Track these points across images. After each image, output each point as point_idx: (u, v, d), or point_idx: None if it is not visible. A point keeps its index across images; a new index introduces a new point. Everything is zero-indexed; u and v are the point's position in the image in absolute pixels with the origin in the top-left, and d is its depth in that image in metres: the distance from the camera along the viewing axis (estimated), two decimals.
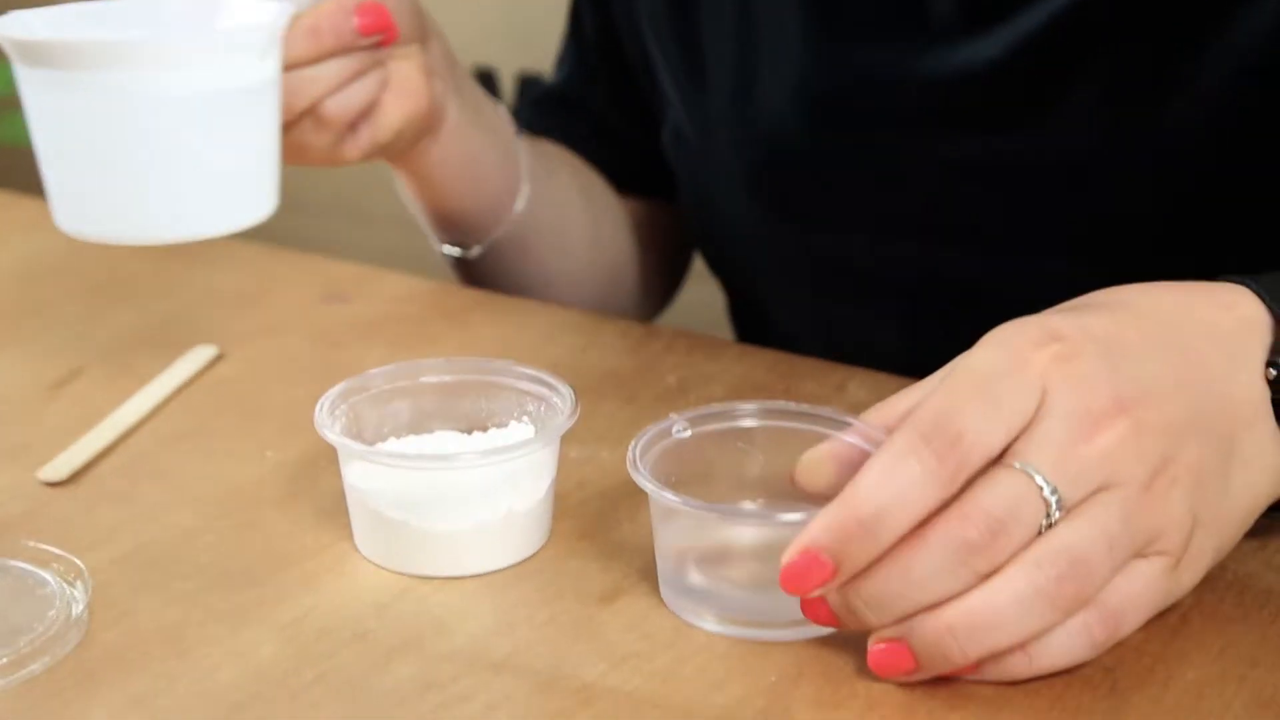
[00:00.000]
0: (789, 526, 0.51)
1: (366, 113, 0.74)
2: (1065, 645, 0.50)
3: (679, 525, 0.55)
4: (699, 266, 1.03)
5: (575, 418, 0.59)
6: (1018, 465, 0.49)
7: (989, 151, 0.75)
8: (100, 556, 0.59)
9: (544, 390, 0.62)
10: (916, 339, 0.78)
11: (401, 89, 0.75)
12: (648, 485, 0.54)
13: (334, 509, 0.62)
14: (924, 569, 0.49)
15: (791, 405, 0.58)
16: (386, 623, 0.55)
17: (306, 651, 0.53)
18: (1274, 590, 0.57)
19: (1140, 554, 0.50)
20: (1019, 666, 0.50)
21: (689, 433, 0.57)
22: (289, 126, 0.72)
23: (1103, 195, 0.74)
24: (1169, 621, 0.55)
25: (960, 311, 0.78)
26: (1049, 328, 0.52)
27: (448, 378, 0.63)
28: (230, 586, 0.57)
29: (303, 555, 0.59)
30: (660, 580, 0.56)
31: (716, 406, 0.59)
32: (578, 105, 0.94)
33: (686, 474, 0.56)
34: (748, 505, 0.58)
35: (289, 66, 0.70)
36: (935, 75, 0.76)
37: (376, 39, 0.72)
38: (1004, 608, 0.49)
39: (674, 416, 0.58)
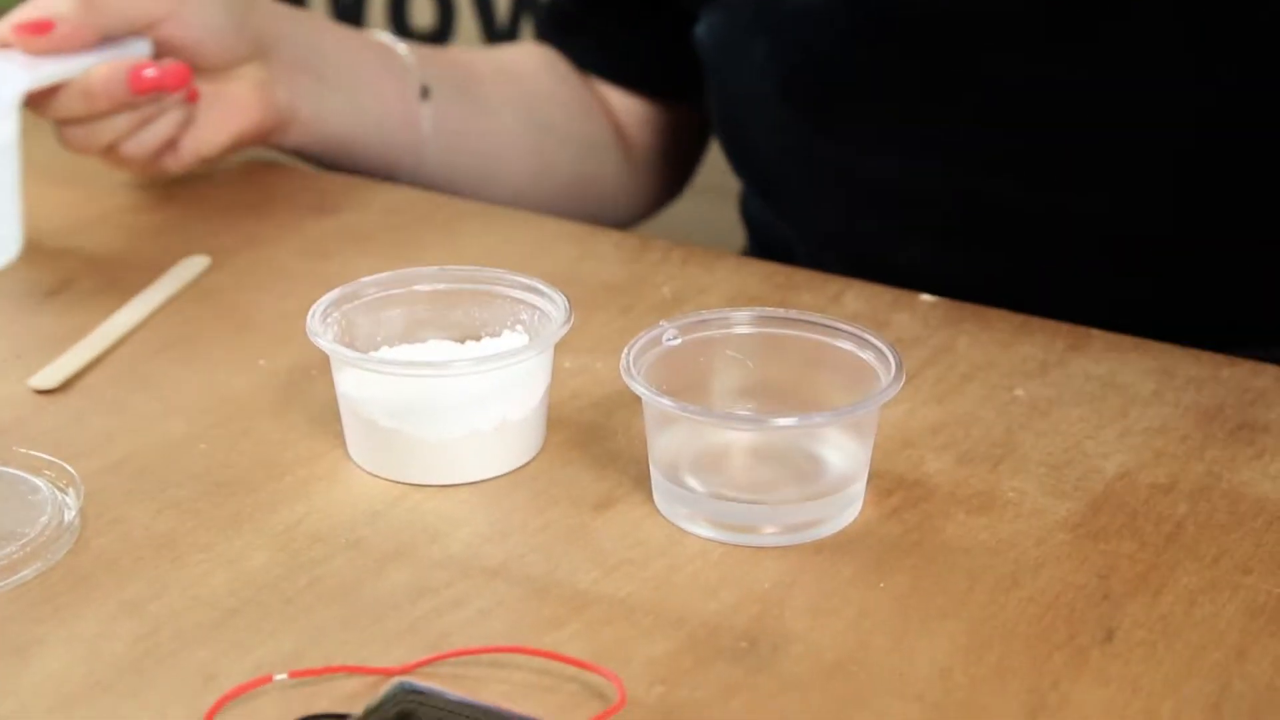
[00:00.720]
0: (782, 431, 0.51)
1: (174, 141, 0.80)
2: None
3: (673, 431, 0.55)
4: (699, 182, 1.02)
5: (569, 325, 0.58)
6: None
7: (1037, 75, 0.74)
8: (92, 464, 0.58)
9: (538, 299, 0.61)
10: (942, 259, 0.77)
11: (230, 109, 0.81)
12: (642, 390, 0.53)
13: (326, 417, 0.62)
14: None
15: (783, 311, 0.58)
16: (380, 530, 0.55)
17: (299, 558, 0.53)
18: (1268, 499, 0.57)
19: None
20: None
21: (679, 340, 0.57)
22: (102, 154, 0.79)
23: (1150, 131, 0.72)
24: (1164, 529, 0.55)
25: (991, 238, 0.77)
26: None
27: (441, 286, 0.62)
28: (223, 494, 0.57)
29: (296, 463, 0.59)
30: (654, 487, 0.56)
31: (707, 313, 0.58)
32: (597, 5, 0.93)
33: (680, 381, 0.56)
34: (741, 410, 0.58)
35: (73, 120, 0.76)
36: None
37: (157, 96, 0.77)
38: None
39: (664, 324, 0.57)
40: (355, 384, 0.58)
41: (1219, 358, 0.66)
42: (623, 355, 0.55)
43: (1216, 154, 0.71)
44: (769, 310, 0.58)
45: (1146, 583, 0.52)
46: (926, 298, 0.71)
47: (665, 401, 0.53)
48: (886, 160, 0.79)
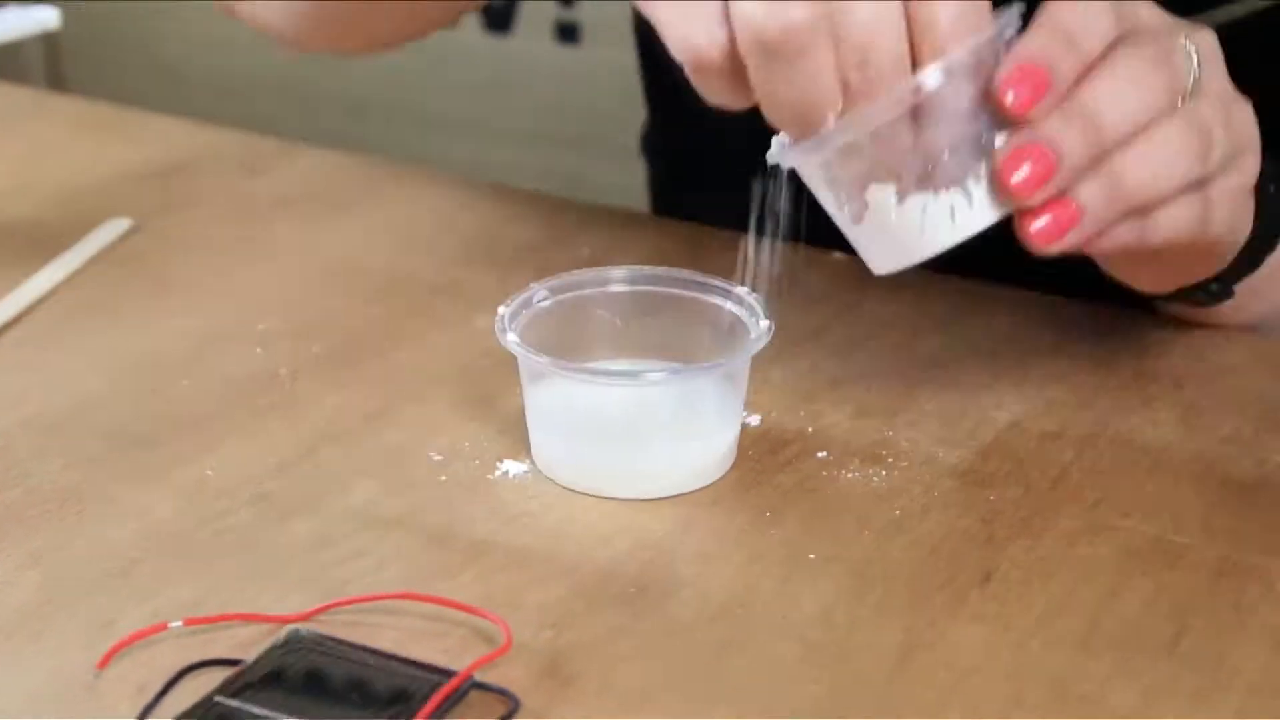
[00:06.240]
0: (655, 386, 0.52)
1: None
2: (1177, 217, 0.54)
3: (547, 389, 0.56)
4: (617, 143, 1.03)
5: None
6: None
7: None
8: (4, 420, 0.59)
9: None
10: None
11: None
12: (515, 348, 0.55)
13: (240, 376, 0.63)
14: (1127, 79, 0.52)
15: (655, 270, 0.59)
16: (286, 483, 0.56)
17: (205, 510, 0.55)
18: (1151, 446, 0.58)
19: (1229, 167, 0.55)
20: (1140, 230, 0.54)
21: (550, 300, 0.58)
22: None
23: None
24: (1049, 475, 0.56)
25: None
26: None
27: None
28: (133, 450, 0.58)
29: (206, 420, 0.60)
30: (531, 445, 0.57)
31: (580, 273, 0.59)
32: None
33: (554, 339, 0.57)
34: (615, 366, 0.59)
35: None
36: None
37: None
38: (1160, 154, 0.53)
39: (534, 285, 0.58)
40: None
41: (1116, 311, 0.67)
42: (497, 315, 0.56)
43: None
44: (642, 269, 0.59)
45: (1028, 526, 0.53)
46: (838, 255, 0.72)
47: (537, 358, 0.54)
48: None
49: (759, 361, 0.58)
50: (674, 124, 0.91)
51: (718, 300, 0.58)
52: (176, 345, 0.66)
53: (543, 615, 0.49)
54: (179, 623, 0.48)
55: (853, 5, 0.49)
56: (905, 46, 0.50)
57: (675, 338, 0.59)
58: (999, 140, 0.52)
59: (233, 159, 0.86)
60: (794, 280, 0.70)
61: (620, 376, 0.58)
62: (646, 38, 0.88)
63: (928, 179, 0.52)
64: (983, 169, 0.52)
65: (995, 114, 0.52)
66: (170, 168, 0.85)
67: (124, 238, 0.76)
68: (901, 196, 0.53)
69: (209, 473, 0.57)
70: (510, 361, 0.57)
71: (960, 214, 0.53)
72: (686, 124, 0.87)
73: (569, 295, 0.59)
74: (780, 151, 0.53)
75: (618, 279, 0.60)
